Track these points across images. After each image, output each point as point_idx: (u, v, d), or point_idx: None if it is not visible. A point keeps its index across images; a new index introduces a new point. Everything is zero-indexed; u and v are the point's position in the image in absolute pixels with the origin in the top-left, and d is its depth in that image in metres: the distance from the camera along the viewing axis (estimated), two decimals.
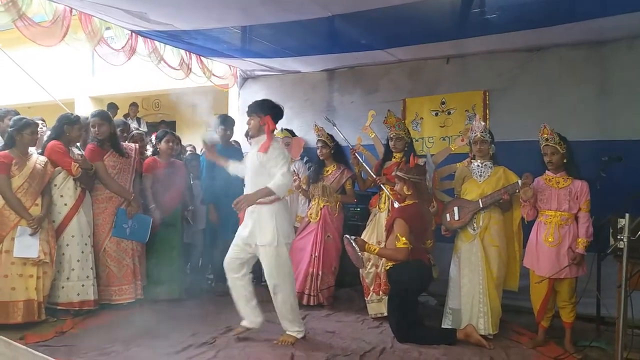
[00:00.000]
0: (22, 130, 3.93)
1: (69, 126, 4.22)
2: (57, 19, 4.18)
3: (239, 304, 3.80)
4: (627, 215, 2.82)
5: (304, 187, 5.00)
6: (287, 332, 3.76)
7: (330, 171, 4.94)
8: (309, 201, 5.06)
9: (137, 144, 4.83)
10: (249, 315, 3.79)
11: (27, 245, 3.85)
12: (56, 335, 3.74)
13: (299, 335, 3.75)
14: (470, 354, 3.58)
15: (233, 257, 3.76)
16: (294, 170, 5.05)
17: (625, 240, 2.81)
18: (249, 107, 3.73)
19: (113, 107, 9.17)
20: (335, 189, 4.87)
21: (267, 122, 3.61)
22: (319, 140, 4.94)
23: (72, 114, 4.40)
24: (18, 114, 4.33)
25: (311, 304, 4.69)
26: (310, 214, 4.89)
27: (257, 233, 3.60)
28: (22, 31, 3.98)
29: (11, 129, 3.96)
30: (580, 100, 4.63)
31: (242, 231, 3.72)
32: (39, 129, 4.24)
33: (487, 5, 3.91)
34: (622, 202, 3.15)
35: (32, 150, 4.11)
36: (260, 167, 3.60)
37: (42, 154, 4.19)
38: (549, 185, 3.74)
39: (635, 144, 4.28)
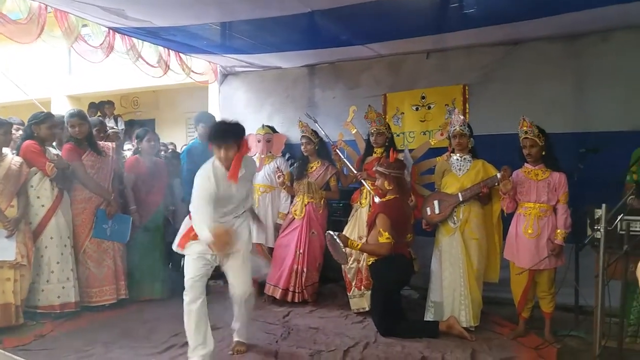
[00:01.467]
0: None
1: (36, 125, 4.14)
2: (32, 16, 4.09)
3: (201, 330, 3.20)
4: (603, 206, 2.87)
5: (287, 184, 4.99)
6: (241, 340, 3.60)
7: (314, 167, 4.93)
8: (291, 198, 5.05)
9: (114, 143, 4.76)
10: (209, 341, 3.24)
11: (3, 248, 3.78)
12: (35, 339, 3.69)
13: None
14: (453, 346, 3.62)
15: (202, 275, 3.24)
16: (277, 167, 5.03)
17: (602, 230, 2.87)
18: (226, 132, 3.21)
19: (94, 106, 9.08)
20: (320, 186, 4.86)
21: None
22: (303, 136, 4.92)
23: (40, 113, 4.30)
24: None
25: (296, 300, 4.68)
26: (295, 211, 4.88)
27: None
28: None
29: None
30: (558, 92, 4.68)
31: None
32: (12, 130, 4.15)
33: (465, 0, 3.93)
34: (599, 193, 3.20)
35: (6, 150, 4.03)
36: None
37: (17, 154, 4.11)
38: (528, 177, 3.78)
39: (612, 135, 4.33)
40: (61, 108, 9.38)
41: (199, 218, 3.09)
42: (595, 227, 3.03)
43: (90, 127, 4.45)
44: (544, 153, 3.74)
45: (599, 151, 3.91)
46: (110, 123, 7.76)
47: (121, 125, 8.81)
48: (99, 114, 8.81)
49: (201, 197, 3.11)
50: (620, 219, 2.96)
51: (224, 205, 3.26)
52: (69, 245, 4.21)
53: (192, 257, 3.24)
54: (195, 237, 3.17)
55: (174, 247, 3.42)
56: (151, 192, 4.78)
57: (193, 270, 3.20)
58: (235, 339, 3.59)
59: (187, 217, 3.35)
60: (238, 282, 3.36)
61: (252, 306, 3.62)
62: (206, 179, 3.14)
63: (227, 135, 3.15)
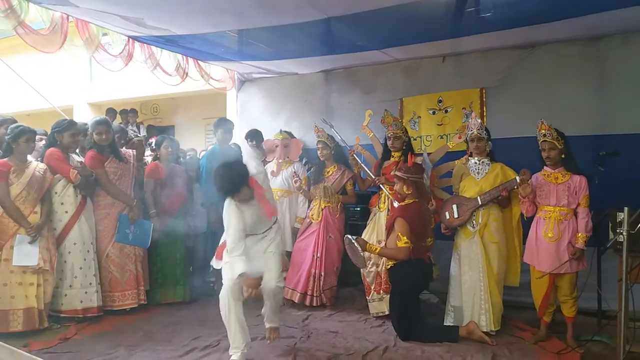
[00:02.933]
0: (18, 138, 3.93)
1: (59, 133, 4.21)
2: (55, 26, 4.19)
3: (243, 330, 3.39)
4: (625, 209, 2.83)
5: (304, 188, 5.02)
6: (273, 326, 3.76)
7: (331, 172, 4.95)
8: (309, 202, 5.07)
9: (135, 150, 4.84)
10: (246, 340, 3.43)
11: (26, 254, 3.85)
12: (60, 342, 3.75)
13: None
14: (473, 350, 3.59)
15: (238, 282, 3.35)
16: (294, 172, 5.07)
17: (624, 233, 2.82)
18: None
19: (112, 112, 9.21)
20: (336, 190, 4.88)
21: None
22: (319, 141, 4.95)
23: (63, 120, 4.37)
24: (15, 121, 4.33)
25: (314, 304, 4.70)
26: (312, 215, 4.91)
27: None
28: (23, 38, 3.99)
29: (8, 137, 3.96)
30: (577, 95, 4.64)
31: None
32: (36, 137, 4.24)
33: (482, 4, 3.92)
34: (620, 196, 3.16)
35: (31, 158, 4.12)
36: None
37: (41, 161, 4.20)
38: (547, 180, 3.75)
39: (632, 138, 4.29)
40: (83, 115, 9.57)
41: (236, 253, 3.30)
42: (618, 230, 2.98)
43: (113, 134, 4.54)
44: (563, 156, 3.71)
45: (619, 154, 3.86)
46: (131, 130, 7.87)
47: (143, 132, 8.94)
48: (120, 121, 8.94)
49: (234, 234, 3.32)
50: None
51: (253, 231, 3.50)
52: (92, 251, 4.28)
53: (226, 267, 3.41)
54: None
55: (213, 262, 3.69)
56: (170, 198, 4.84)
57: (229, 278, 3.35)
58: (267, 325, 3.74)
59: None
60: (269, 277, 3.51)
61: (281, 298, 3.79)
62: (235, 216, 3.34)
63: (231, 185, 3.30)
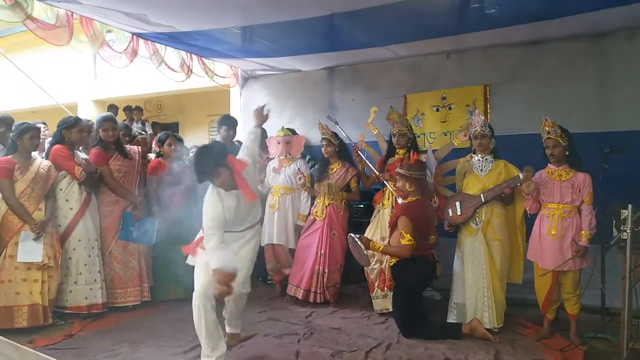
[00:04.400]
0: (22, 135, 3.95)
1: (66, 130, 4.23)
2: (61, 22, 4.20)
3: (215, 336, 3.19)
4: (629, 206, 2.84)
5: (308, 185, 5.02)
6: (233, 332, 3.66)
7: (335, 169, 4.95)
8: (312, 199, 5.08)
9: (140, 147, 4.85)
10: (221, 342, 3.25)
11: (30, 250, 3.87)
12: (64, 339, 3.78)
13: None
14: (476, 347, 3.60)
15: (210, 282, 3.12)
16: (298, 169, 5.07)
17: (628, 231, 2.84)
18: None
19: (114, 108, 9.21)
20: (340, 187, 4.88)
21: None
22: (323, 138, 4.95)
23: (70, 117, 4.40)
24: (13, 120, 4.34)
25: (317, 301, 4.71)
26: (316, 212, 4.91)
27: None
28: (34, 32, 4.01)
29: (12, 134, 3.98)
30: (581, 92, 4.62)
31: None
32: (41, 133, 4.26)
33: (486, 1, 3.91)
34: (624, 193, 3.16)
35: (35, 154, 4.14)
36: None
37: (46, 158, 4.22)
38: (551, 178, 3.74)
39: (637, 135, 4.27)
40: (87, 112, 9.59)
41: (211, 245, 3.05)
42: (622, 228, 2.99)
43: (118, 131, 4.56)
44: (567, 153, 3.70)
45: (624, 151, 3.85)
46: (137, 127, 7.89)
47: (149, 130, 8.95)
48: (124, 118, 8.94)
49: (211, 226, 3.08)
50: None
51: (231, 228, 3.27)
52: (97, 248, 4.30)
53: (200, 266, 3.23)
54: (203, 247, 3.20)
55: (185, 251, 3.45)
56: (173, 195, 4.85)
57: (203, 277, 3.16)
58: (227, 330, 3.61)
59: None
60: (235, 282, 3.10)
61: (242, 306, 3.59)
62: (214, 206, 3.12)
63: (208, 165, 3.10)
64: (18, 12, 3.82)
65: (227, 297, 3.12)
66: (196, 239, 3.41)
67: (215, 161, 3.08)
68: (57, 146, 4.21)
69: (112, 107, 9.12)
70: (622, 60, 4.49)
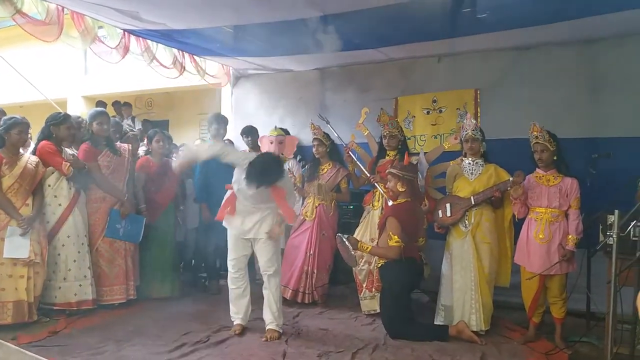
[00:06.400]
0: (10, 130, 3.91)
1: (55, 126, 4.19)
2: (51, 17, 4.17)
3: (239, 302, 3.96)
4: (616, 211, 2.85)
5: (298, 185, 5.01)
6: (271, 327, 3.83)
7: (325, 170, 4.94)
8: (303, 199, 5.07)
9: (130, 145, 4.82)
10: (245, 312, 3.97)
11: (17, 246, 3.82)
12: (49, 336, 3.73)
13: (281, 330, 3.86)
14: (463, 350, 3.61)
15: (241, 255, 3.94)
16: (289, 169, 5.05)
17: (614, 236, 2.84)
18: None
19: (102, 104, 9.13)
20: (330, 188, 4.88)
21: None
22: (314, 138, 4.93)
23: (59, 114, 4.35)
24: (5, 114, 4.29)
25: (306, 301, 4.70)
26: (306, 212, 4.90)
27: (259, 227, 3.82)
28: (23, 27, 3.98)
29: (0, 129, 3.94)
30: (570, 98, 4.66)
31: (241, 230, 3.85)
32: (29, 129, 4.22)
33: (478, 5, 3.93)
34: (611, 198, 3.18)
35: (22, 150, 4.09)
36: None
37: (34, 154, 4.17)
38: (539, 182, 3.77)
39: (625, 141, 4.31)
40: (77, 108, 9.50)
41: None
42: (608, 233, 3.00)
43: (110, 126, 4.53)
44: (555, 158, 3.73)
45: (612, 157, 3.88)
46: (127, 124, 7.83)
47: (138, 126, 8.89)
48: (113, 113, 8.88)
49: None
50: (634, 225, 2.94)
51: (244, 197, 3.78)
52: (86, 244, 4.26)
53: (232, 241, 3.90)
54: (231, 211, 3.82)
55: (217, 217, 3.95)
56: (160, 192, 4.82)
57: (234, 252, 3.90)
58: (268, 327, 3.85)
59: (229, 191, 3.91)
60: (262, 260, 3.88)
61: (277, 285, 3.94)
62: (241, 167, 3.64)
63: (273, 178, 3.57)
64: (7, 6, 3.78)
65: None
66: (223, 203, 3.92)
67: (275, 178, 3.59)
68: (44, 142, 4.17)
69: (101, 104, 9.05)
70: (612, 66, 4.53)
